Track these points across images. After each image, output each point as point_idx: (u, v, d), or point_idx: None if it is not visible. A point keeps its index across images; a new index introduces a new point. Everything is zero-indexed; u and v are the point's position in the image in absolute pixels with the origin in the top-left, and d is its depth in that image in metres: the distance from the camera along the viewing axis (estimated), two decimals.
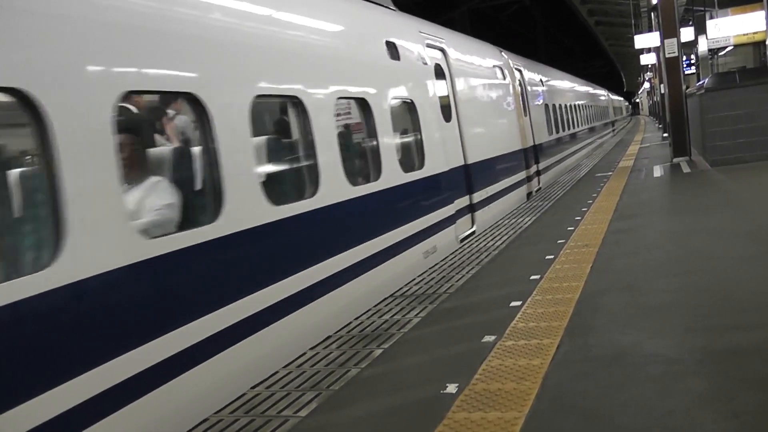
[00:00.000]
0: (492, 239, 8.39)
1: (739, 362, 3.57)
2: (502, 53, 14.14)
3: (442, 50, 9.70)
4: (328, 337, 5.15)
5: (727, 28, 21.55)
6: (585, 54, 79.29)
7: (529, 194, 13.70)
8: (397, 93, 7.95)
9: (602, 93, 43.05)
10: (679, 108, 15.05)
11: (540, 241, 7.80)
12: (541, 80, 17.93)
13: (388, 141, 7.37)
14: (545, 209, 10.42)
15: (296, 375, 4.39)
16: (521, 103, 14.32)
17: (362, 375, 4.20)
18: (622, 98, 76.04)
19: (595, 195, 11.21)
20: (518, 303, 5.27)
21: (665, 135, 22.52)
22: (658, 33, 18.54)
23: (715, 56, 31.59)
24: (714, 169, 12.42)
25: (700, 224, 7.56)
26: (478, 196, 10.00)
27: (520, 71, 15.03)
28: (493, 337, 4.52)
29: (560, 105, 20.39)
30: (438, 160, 8.61)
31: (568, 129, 21.49)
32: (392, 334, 4.98)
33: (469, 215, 9.62)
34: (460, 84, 10.18)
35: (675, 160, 14.97)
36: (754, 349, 3.71)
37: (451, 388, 3.74)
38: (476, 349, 4.35)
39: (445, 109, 9.39)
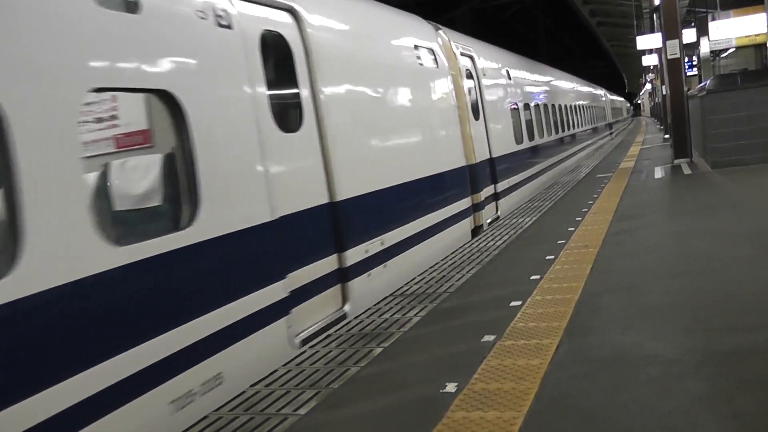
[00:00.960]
0: (492, 239, 8.38)
1: (739, 363, 3.57)
2: (440, 32, 10.19)
3: (292, 11, 5.99)
4: (328, 335, 5.15)
5: (728, 30, 21.55)
6: (586, 54, 79.45)
7: (477, 228, 10.01)
8: (115, 76, 4.12)
9: (599, 92, 38.29)
10: (680, 109, 15.05)
11: (540, 242, 7.80)
12: (507, 73, 14.01)
13: (60, 179, 3.57)
14: (545, 210, 10.41)
15: (295, 373, 4.39)
16: (469, 101, 10.53)
17: (361, 374, 4.20)
18: (622, 99, 72.76)
19: (595, 196, 11.21)
20: (518, 303, 5.27)
21: (666, 136, 22.53)
22: (659, 34, 18.58)
23: (717, 58, 31.59)
24: (715, 171, 12.42)
25: (701, 226, 7.56)
26: (359, 253, 6.33)
27: (471, 59, 11.31)
28: (492, 337, 4.52)
29: (538, 105, 16.64)
30: (244, 205, 4.89)
31: (549, 135, 17.61)
32: (392, 333, 4.98)
33: (335, 289, 6.00)
34: (327, 69, 6.25)
35: (676, 161, 14.98)
36: (754, 350, 3.71)
37: (450, 388, 3.73)
38: (475, 348, 4.35)
39: (285, 111, 5.81)
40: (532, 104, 15.85)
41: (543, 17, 54.98)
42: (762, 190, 9.69)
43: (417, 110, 8.48)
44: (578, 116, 24.93)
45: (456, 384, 3.77)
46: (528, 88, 16.04)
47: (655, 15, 24.68)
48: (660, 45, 19.33)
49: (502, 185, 11.69)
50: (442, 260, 7.56)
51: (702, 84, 16.36)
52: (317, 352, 4.79)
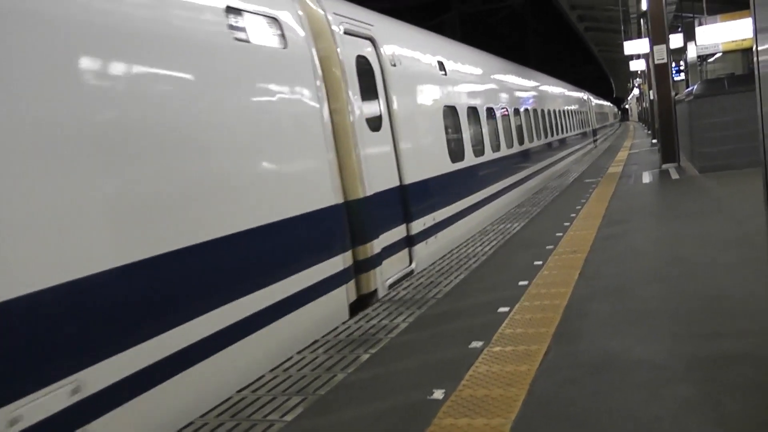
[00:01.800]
0: (480, 245, 8.37)
1: (727, 368, 3.56)
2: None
3: None
4: (315, 342, 5.13)
5: (716, 35, 21.65)
6: (575, 59, 79.80)
7: (367, 296, 6.65)
8: None
9: (580, 95, 32.76)
10: (668, 114, 15.10)
11: (529, 247, 7.80)
12: (441, 67, 10.31)
13: None
14: (534, 215, 10.41)
15: (282, 379, 4.36)
16: (361, 105, 7.08)
17: (349, 380, 4.18)
18: (609, 103, 69.46)
19: (584, 201, 11.23)
20: (506, 309, 5.26)
21: (654, 141, 22.60)
22: (647, 39, 18.66)
23: (704, 63, 31.71)
24: (703, 176, 12.46)
25: (689, 230, 7.57)
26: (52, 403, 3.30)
27: (371, 42, 7.80)
28: (480, 343, 4.50)
29: (492, 110, 12.78)
30: None
31: (507, 148, 13.65)
32: (380, 338, 4.95)
33: None
34: None
35: (664, 166, 15.03)
36: (741, 355, 3.71)
37: (438, 394, 3.71)
38: (463, 354, 4.33)
39: None
40: (481, 108, 12.10)
41: (532, 22, 55.16)
42: (749, 195, 9.70)
43: (211, 120, 4.76)
44: (552, 123, 20.69)
45: (443, 390, 3.76)
46: (475, 88, 12.26)
47: (642, 20, 24.83)
48: (647, 50, 19.41)
49: (421, 223, 8.22)
50: (430, 265, 7.54)
51: (689, 89, 16.44)
52: (304, 357, 4.76)
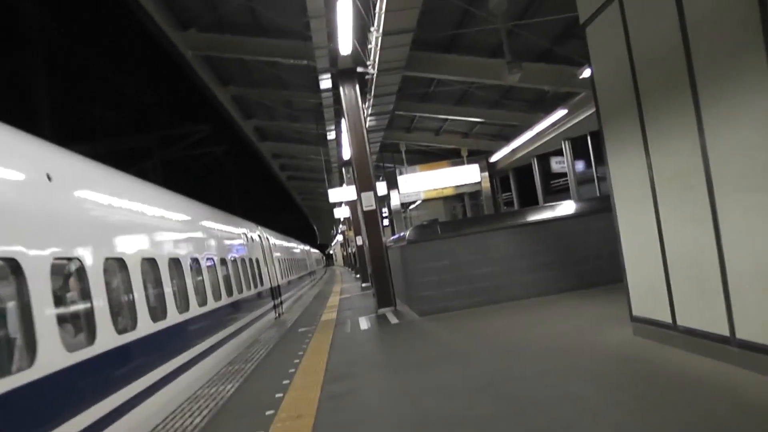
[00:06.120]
0: (191, 416, 6.98)
1: None
2: None
3: None
4: None
5: (416, 184, 22.71)
6: (279, 207, 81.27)
7: None
8: None
9: (235, 232, 15.57)
10: (381, 260, 14.99)
11: (246, 414, 6.64)
12: None
13: None
14: (248, 372, 9.18)
15: None
16: None
17: None
18: (310, 247, 53.27)
19: (301, 353, 10.21)
20: None
21: (364, 285, 22.67)
22: (352, 187, 18.85)
23: (407, 210, 33.32)
24: (423, 319, 12.13)
25: (428, 381, 6.85)
26: None
27: None
28: None
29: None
30: None
31: None
32: None
33: None
34: None
35: (380, 310, 14.73)
36: None
37: None
38: None
39: None
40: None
41: (234, 170, 55.29)
42: (476, 338, 9.32)
43: None
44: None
45: None
46: None
47: (343, 169, 25.40)
48: (352, 197, 19.60)
49: None
50: None
51: (399, 234, 16.58)
52: None
